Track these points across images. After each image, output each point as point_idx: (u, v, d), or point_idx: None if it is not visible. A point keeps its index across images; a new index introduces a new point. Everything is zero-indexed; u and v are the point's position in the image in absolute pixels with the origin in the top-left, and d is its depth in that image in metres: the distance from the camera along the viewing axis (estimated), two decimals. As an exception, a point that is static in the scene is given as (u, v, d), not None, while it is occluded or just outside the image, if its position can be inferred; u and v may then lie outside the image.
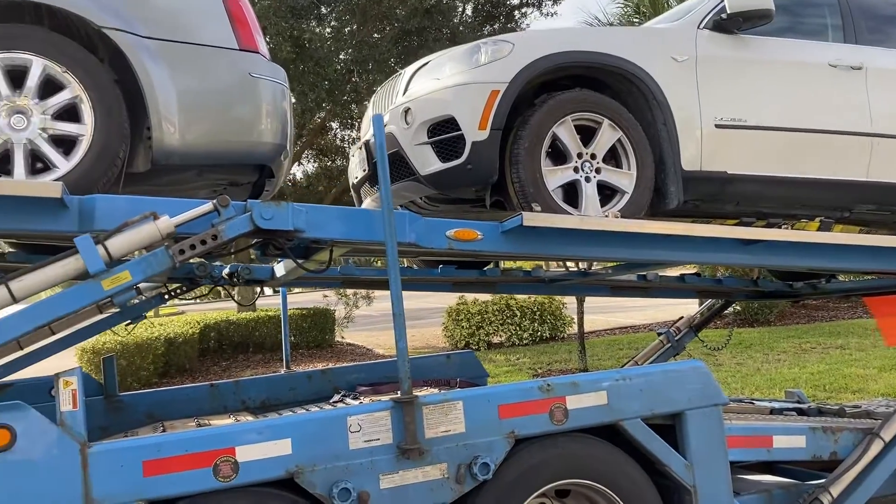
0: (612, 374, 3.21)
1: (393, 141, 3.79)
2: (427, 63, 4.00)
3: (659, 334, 5.86)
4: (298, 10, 12.34)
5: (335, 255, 3.62)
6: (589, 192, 3.70)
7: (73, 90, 2.99)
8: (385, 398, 3.13)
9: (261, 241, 3.19)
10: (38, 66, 2.95)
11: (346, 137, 16.83)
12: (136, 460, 2.53)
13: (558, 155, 3.73)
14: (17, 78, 2.96)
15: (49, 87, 2.99)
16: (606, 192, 3.79)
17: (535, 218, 3.30)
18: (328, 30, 13.68)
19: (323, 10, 13.20)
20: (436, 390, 3.94)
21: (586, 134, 3.76)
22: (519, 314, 13.89)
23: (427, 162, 3.74)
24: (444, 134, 3.69)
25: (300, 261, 3.63)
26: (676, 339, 5.80)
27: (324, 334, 13.83)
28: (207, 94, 3.23)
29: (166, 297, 4.56)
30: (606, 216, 3.58)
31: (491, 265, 5.04)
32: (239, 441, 2.64)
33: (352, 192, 4.67)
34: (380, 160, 3.00)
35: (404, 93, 3.98)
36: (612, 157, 3.82)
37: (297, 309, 13.59)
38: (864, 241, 3.94)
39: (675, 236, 3.56)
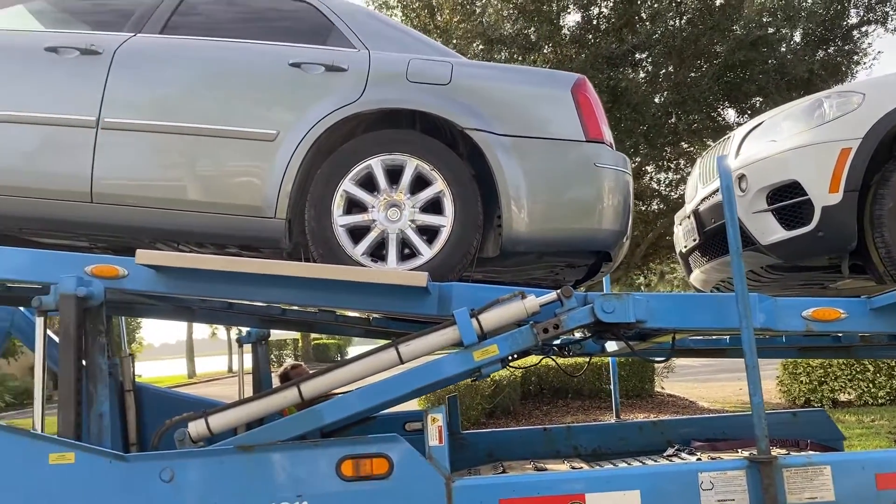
0: None
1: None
2: (760, 124, 3.73)
3: None
4: (614, 59, 12.34)
5: (677, 339, 3.52)
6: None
7: (438, 186, 3.32)
8: (726, 456, 2.95)
9: (599, 329, 3.23)
10: (411, 166, 3.34)
11: (662, 181, 16.33)
12: (494, 497, 2.74)
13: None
14: (393, 175, 3.37)
15: (418, 182, 3.35)
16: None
17: (916, 292, 2.86)
18: (642, 74, 13.48)
19: (638, 55, 13.04)
20: (785, 452, 3.66)
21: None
22: (872, 368, 12.11)
23: (768, 230, 3.49)
24: (786, 200, 3.42)
25: (633, 344, 3.60)
26: None
27: (643, 384, 13.50)
28: (555, 184, 3.35)
29: (509, 360, 4.82)
30: None
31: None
32: (590, 488, 2.72)
33: (679, 259, 4.50)
34: (732, 243, 2.85)
35: (736, 156, 3.74)
36: None
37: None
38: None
39: None
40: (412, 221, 3.32)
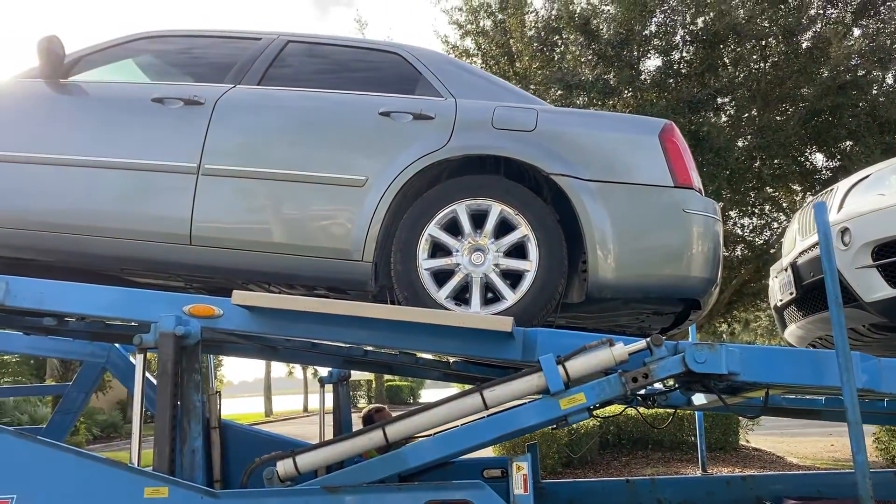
0: None
1: None
2: (866, 177, 3.62)
3: None
4: (695, 104, 12.18)
5: (770, 394, 3.39)
6: None
7: (522, 230, 3.33)
8: None
9: (689, 380, 3.14)
10: (496, 210, 3.36)
11: (746, 226, 15.86)
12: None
13: None
14: (478, 219, 3.40)
15: (502, 227, 3.37)
16: None
17: None
18: (724, 118, 13.23)
19: (720, 99, 12.82)
20: None
21: None
22: (974, 427, 11.28)
23: (872, 287, 3.36)
24: (893, 256, 3.28)
25: (726, 397, 3.48)
26: None
27: (727, 436, 12.95)
28: (642, 230, 3.32)
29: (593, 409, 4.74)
30: None
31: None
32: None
33: (773, 312, 4.35)
34: (831, 294, 2.75)
35: (839, 210, 3.62)
36: None
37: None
38: None
39: None
40: (496, 265, 3.33)
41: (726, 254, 15.52)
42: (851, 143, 12.87)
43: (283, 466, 2.99)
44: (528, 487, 2.77)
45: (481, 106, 3.59)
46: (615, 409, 4.50)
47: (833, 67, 11.85)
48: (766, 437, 15.03)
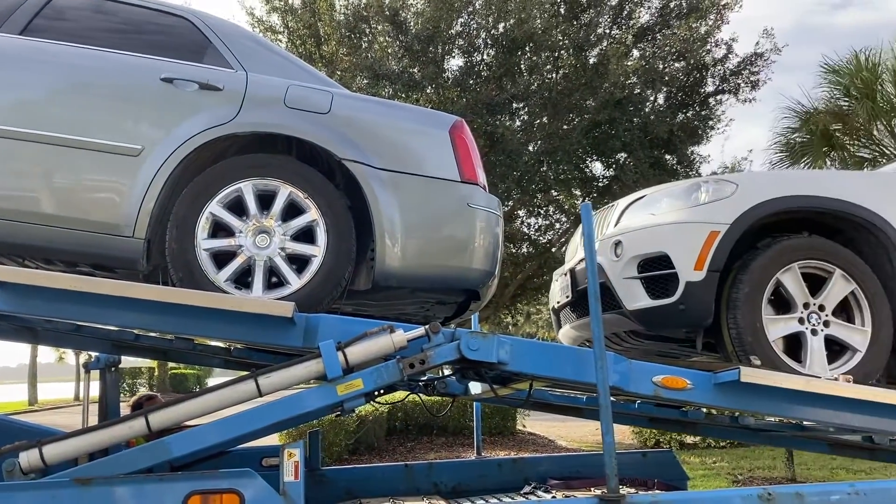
0: (842, 487, 2.92)
1: (600, 272, 3.74)
2: (642, 197, 3.95)
3: None
4: (493, 106, 12.76)
5: (536, 390, 3.59)
6: (815, 347, 3.42)
7: (311, 214, 3.26)
8: (580, 494, 3.01)
9: (463, 367, 3.25)
10: (284, 192, 3.27)
11: (532, 225, 16.94)
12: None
13: (781, 303, 3.50)
14: (265, 200, 3.28)
15: (291, 210, 3.28)
16: (835, 349, 3.48)
17: (754, 375, 3.06)
18: (518, 123, 14.02)
19: (515, 105, 13.56)
20: (633, 490, 3.80)
21: (813, 283, 3.51)
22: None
23: (635, 297, 3.65)
24: (655, 270, 3.60)
25: (496, 387, 3.65)
26: None
27: (506, 422, 13.76)
28: (428, 222, 3.38)
29: (375, 395, 4.76)
30: (836, 378, 3.25)
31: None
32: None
33: (551, 314, 4.65)
34: (592, 305, 2.95)
35: (616, 224, 3.94)
36: (843, 311, 3.52)
37: (480, 394, 13.62)
38: None
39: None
40: (282, 249, 3.24)
41: (514, 250, 16.45)
42: (625, 154, 14.15)
43: (28, 457, 2.69)
44: (300, 474, 2.71)
45: (274, 83, 3.47)
46: (400, 395, 4.56)
47: (612, 83, 12.91)
48: (541, 422, 16.11)
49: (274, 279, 3.27)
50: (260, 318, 2.96)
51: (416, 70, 12.94)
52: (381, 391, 4.65)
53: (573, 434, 14.84)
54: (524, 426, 15.15)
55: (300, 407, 2.87)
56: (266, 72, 3.54)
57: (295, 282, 3.21)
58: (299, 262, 3.26)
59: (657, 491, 4.01)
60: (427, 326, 2.97)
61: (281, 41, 14.34)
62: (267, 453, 4.38)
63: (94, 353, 4.48)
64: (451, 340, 2.98)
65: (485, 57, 13.62)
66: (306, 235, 3.27)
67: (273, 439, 7.82)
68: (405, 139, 3.46)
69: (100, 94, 3.28)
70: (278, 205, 3.26)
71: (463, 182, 3.44)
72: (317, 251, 3.24)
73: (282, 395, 2.94)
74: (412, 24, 13.00)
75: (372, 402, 4.71)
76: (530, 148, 13.65)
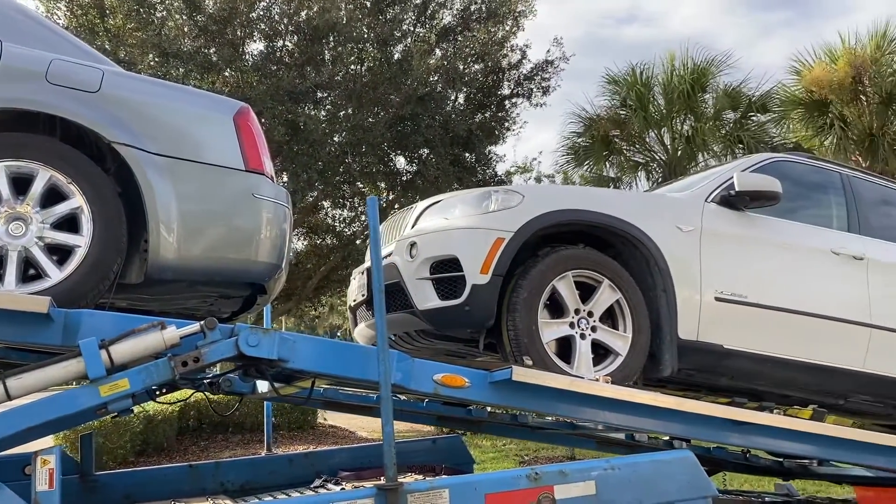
0: (600, 464, 3.12)
1: (395, 272, 3.80)
2: (439, 201, 4.05)
3: None
4: (296, 94, 12.56)
5: (316, 385, 3.56)
6: (583, 350, 3.69)
7: (75, 201, 2.99)
8: (369, 484, 3.04)
9: (243, 364, 3.14)
10: (43, 176, 2.96)
11: (337, 216, 16.92)
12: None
13: (556, 308, 3.74)
14: (21, 184, 2.96)
15: (52, 195, 2.99)
16: (600, 352, 3.77)
17: (524, 374, 3.22)
18: (323, 113, 13.93)
19: (319, 94, 13.45)
20: (420, 476, 3.87)
21: (585, 291, 3.78)
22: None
23: (426, 297, 3.74)
24: (445, 273, 3.70)
25: (280, 385, 3.57)
26: None
27: (306, 416, 13.59)
28: (209, 211, 3.23)
29: (157, 394, 4.48)
30: (597, 379, 3.53)
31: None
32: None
33: (348, 312, 4.65)
34: (377, 300, 2.98)
35: (413, 226, 4.01)
36: (609, 317, 3.82)
37: (278, 389, 13.31)
38: (855, 435, 3.86)
39: (666, 409, 3.49)
40: (40, 238, 2.94)
41: (318, 242, 16.26)
42: (427, 150, 14.51)
43: None
44: (55, 482, 2.47)
45: (34, 55, 3.13)
46: (186, 393, 4.33)
47: (415, 80, 13.17)
48: (343, 415, 16.07)
49: (32, 271, 2.96)
50: (13, 314, 2.67)
51: (212, 51, 12.35)
52: (163, 390, 4.42)
53: (374, 425, 14.97)
54: (325, 419, 15.08)
55: (58, 409, 2.62)
56: (25, 43, 3.18)
57: (56, 274, 2.93)
58: (61, 253, 2.98)
59: (444, 476, 4.13)
60: (202, 322, 2.82)
61: (60, 7, 13.04)
62: (29, 462, 3.97)
63: None
64: (230, 336, 2.86)
65: (287, 43, 13.32)
66: (70, 224, 3.00)
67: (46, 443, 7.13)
68: (185, 124, 3.27)
69: None
70: (36, 189, 2.95)
71: (248, 171, 3.32)
72: (81, 241, 2.98)
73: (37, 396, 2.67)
74: (209, 3, 12.39)
75: (157, 402, 4.43)
76: (335, 139, 13.56)
